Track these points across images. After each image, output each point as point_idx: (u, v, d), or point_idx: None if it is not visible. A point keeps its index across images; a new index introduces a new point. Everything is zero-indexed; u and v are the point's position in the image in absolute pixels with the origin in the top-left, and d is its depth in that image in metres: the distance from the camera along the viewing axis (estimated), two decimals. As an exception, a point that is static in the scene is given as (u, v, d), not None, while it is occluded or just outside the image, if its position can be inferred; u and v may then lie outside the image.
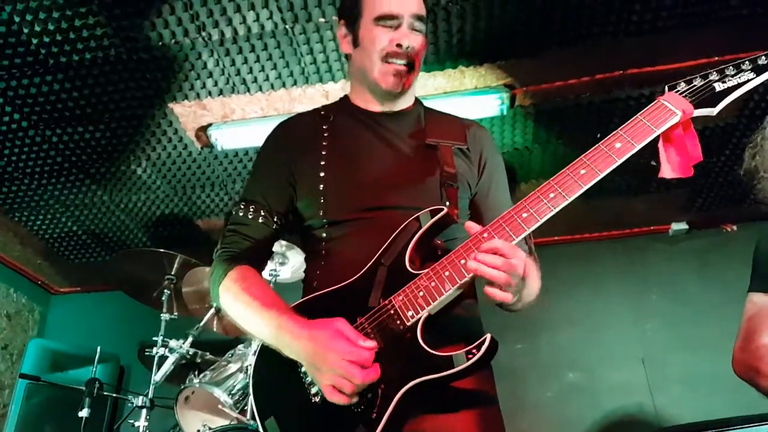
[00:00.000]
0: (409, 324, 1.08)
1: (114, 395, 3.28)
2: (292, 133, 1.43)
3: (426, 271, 1.11)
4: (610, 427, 3.50)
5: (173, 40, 2.44)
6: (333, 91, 2.76)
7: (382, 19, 1.35)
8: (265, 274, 3.12)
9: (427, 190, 1.28)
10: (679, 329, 3.63)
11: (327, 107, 1.51)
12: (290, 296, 3.77)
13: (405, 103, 1.46)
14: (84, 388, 2.84)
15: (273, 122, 2.82)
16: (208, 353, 3.03)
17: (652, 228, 3.99)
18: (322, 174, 1.32)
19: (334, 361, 1.02)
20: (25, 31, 2.35)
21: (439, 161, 1.32)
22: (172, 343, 2.89)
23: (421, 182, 1.30)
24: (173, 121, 2.92)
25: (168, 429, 3.06)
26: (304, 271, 1.38)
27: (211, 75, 2.64)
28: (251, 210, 1.32)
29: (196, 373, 2.94)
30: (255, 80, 2.67)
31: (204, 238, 3.92)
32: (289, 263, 3.15)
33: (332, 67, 2.63)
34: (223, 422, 2.62)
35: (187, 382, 2.80)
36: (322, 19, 2.37)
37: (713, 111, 1.09)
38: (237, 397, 2.74)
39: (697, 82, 1.11)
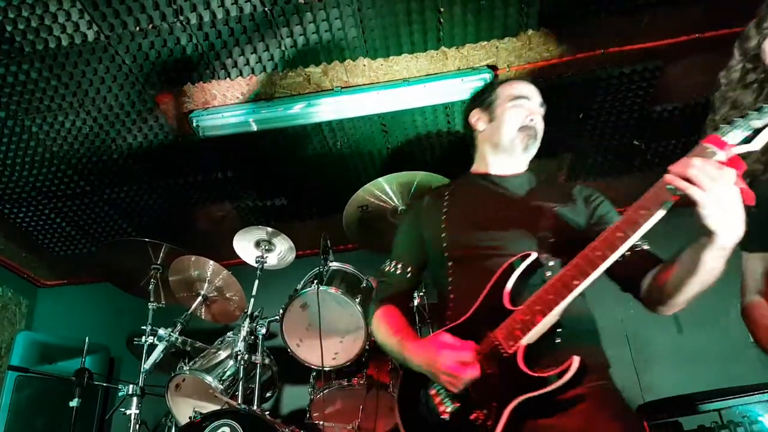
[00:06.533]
0: (510, 352, 1.31)
1: (104, 384, 3.29)
2: (421, 204, 1.82)
3: (522, 306, 1.33)
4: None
5: (150, 25, 2.41)
6: (314, 74, 2.75)
7: (517, 98, 1.75)
8: (251, 260, 3.14)
9: (528, 239, 1.51)
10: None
11: (452, 181, 1.91)
12: (277, 281, 3.72)
13: (518, 168, 1.77)
14: (73, 378, 2.84)
15: (255, 108, 2.86)
16: (197, 341, 3.05)
17: (635, 207, 4.03)
18: (443, 225, 1.66)
19: (442, 365, 1.35)
20: (-1, 18, 2.31)
21: (542, 216, 1.56)
22: (161, 331, 2.90)
23: (524, 231, 1.53)
24: (154, 108, 2.89)
25: (160, 416, 3.08)
26: (438, 295, 1.69)
27: (190, 60, 2.61)
28: (392, 265, 1.77)
29: (186, 360, 2.96)
30: (235, 65, 2.65)
31: (189, 226, 3.90)
32: (275, 250, 3.15)
33: (313, 50, 2.61)
34: (214, 408, 2.64)
35: (177, 370, 2.81)
36: (301, 0, 2.35)
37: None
38: (227, 383, 2.76)
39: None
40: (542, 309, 1.28)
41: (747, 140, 1.11)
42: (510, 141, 1.72)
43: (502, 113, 1.75)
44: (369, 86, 2.84)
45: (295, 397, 3.73)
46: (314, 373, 2.91)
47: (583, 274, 1.24)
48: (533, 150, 1.74)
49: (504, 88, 1.79)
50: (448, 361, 1.33)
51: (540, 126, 1.74)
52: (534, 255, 1.40)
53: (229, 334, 3.06)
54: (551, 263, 1.47)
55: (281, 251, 3.17)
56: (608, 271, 1.34)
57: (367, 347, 2.73)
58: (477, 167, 1.84)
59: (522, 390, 1.27)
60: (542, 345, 1.32)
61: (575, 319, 1.42)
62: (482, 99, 1.84)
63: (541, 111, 1.76)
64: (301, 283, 2.93)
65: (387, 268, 1.77)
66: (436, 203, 1.75)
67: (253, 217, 3.86)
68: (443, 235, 1.64)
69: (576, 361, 1.21)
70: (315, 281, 2.76)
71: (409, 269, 1.74)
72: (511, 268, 1.41)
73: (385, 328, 1.62)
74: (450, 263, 1.60)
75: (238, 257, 3.19)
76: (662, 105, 3.10)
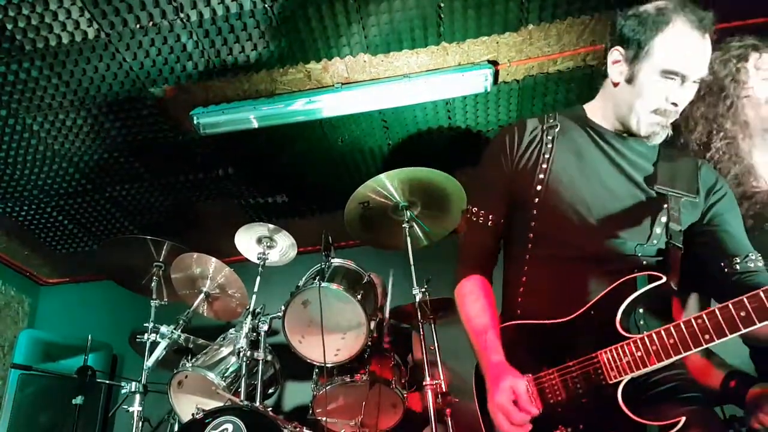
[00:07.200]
0: (611, 382, 1.19)
1: (107, 382, 3.30)
2: (514, 142, 1.50)
3: (635, 338, 1.18)
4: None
5: (151, 23, 2.41)
6: (315, 70, 2.74)
7: (670, 73, 1.35)
8: (253, 257, 3.14)
9: (649, 244, 1.32)
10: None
11: (557, 115, 1.53)
12: (279, 278, 3.73)
13: None
14: (76, 376, 2.85)
15: (256, 105, 2.86)
16: (200, 339, 3.05)
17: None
18: (538, 188, 1.41)
19: (496, 403, 1.24)
20: (-1, 16, 2.32)
21: (667, 211, 1.33)
22: (163, 328, 2.90)
23: (644, 230, 1.33)
24: (155, 105, 2.89)
25: (163, 413, 3.09)
26: (506, 268, 1.49)
27: (191, 57, 2.61)
28: (476, 212, 1.52)
29: (189, 357, 2.96)
30: (236, 62, 2.64)
31: (190, 223, 3.90)
32: (277, 247, 3.16)
33: (313, 45, 2.61)
34: (216, 404, 2.64)
35: (180, 367, 2.82)
36: (301, -3, 2.35)
37: None
38: (230, 380, 2.77)
39: None
40: (659, 351, 1.14)
41: None
42: (635, 120, 1.39)
43: (645, 81, 1.36)
44: (369, 82, 2.84)
45: (297, 393, 3.74)
46: (317, 370, 2.91)
47: (719, 332, 1.08)
48: (656, 141, 1.41)
49: (664, 43, 1.33)
50: (501, 408, 1.23)
51: (679, 111, 1.38)
52: (663, 279, 1.21)
53: (231, 331, 3.07)
54: (677, 293, 1.30)
55: (283, 248, 3.17)
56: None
57: (369, 343, 2.74)
58: (593, 111, 1.51)
59: (615, 426, 1.18)
60: (646, 384, 1.24)
61: (684, 370, 1.32)
62: (635, 36, 1.37)
63: (693, 91, 1.38)
64: (303, 279, 2.94)
65: (471, 216, 1.52)
66: (535, 151, 1.46)
67: (255, 214, 3.87)
68: (536, 200, 1.40)
69: (682, 421, 1.12)
70: (317, 278, 2.76)
71: (499, 220, 1.50)
72: (633, 285, 1.23)
73: (468, 314, 1.43)
74: (533, 239, 1.40)
75: (239, 254, 3.20)
76: (663, 99, 3.09)
